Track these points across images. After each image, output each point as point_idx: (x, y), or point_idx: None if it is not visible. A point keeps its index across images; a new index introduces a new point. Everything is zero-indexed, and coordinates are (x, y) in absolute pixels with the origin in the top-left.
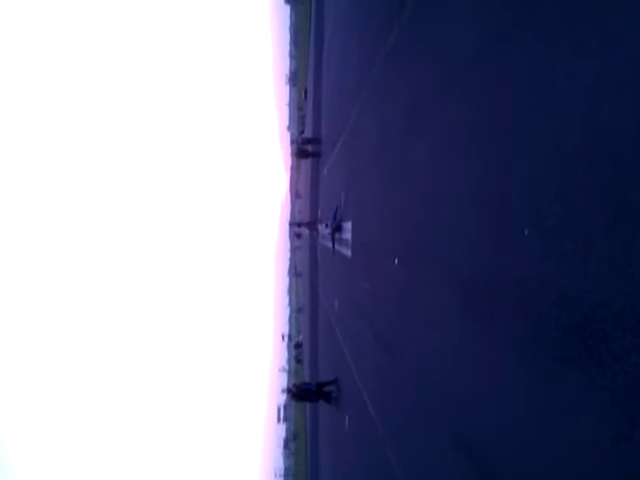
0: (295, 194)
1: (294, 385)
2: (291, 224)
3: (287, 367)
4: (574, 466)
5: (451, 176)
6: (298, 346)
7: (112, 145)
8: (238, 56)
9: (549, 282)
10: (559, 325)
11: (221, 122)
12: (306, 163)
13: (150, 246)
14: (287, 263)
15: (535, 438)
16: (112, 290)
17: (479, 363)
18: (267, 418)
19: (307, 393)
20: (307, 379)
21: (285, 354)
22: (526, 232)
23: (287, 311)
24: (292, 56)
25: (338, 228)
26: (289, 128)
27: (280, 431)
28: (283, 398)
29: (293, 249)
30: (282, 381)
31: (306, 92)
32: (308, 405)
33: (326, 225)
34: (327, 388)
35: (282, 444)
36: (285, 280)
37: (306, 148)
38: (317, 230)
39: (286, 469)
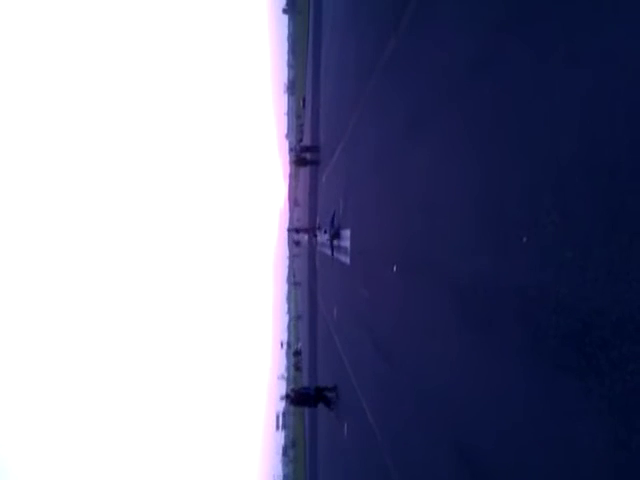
0: (294, 202)
1: (292, 390)
2: (289, 230)
3: (286, 375)
4: (572, 474)
5: (449, 184)
6: (297, 354)
7: (113, 149)
8: (237, 65)
9: (548, 290)
10: (558, 333)
11: (220, 131)
12: (305, 171)
13: (150, 252)
14: (286, 271)
15: (533, 445)
16: (112, 293)
17: (478, 370)
18: (266, 425)
19: (306, 398)
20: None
21: (284, 362)
22: (524, 240)
23: (286, 318)
24: (290, 65)
25: (336, 234)
26: (287, 136)
27: (279, 438)
28: (282, 406)
29: (292, 257)
30: (281, 389)
31: (304, 101)
32: (307, 413)
33: (325, 231)
34: (326, 394)
35: (281, 451)
36: (284, 287)
37: (305, 156)
38: (316, 237)
39: (285, 476)
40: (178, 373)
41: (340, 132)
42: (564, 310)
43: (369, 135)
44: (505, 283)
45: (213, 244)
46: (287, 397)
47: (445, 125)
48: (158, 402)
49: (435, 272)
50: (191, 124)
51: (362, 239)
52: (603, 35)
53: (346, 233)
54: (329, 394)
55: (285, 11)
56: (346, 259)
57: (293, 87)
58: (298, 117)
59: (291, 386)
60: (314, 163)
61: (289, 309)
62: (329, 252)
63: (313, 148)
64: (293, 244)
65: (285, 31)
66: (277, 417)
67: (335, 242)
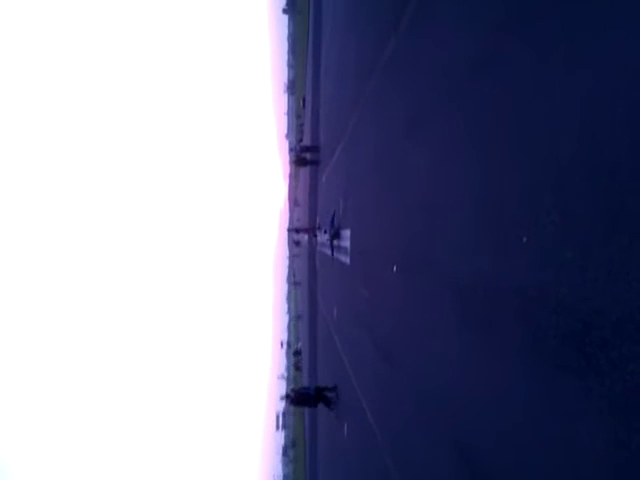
0: (294, 202)
1: (292, 390)
2: (289, 230)
3: (286, 374)
4: (573, 473)
5: (450, 184)
6: (297, 353)
7: (113, 150)
8: (237, 65)
9: (548, 290)
10: (558, 333)
11: (220, 130)
12: (305, 171)
13: (150, 252)
14: (286, 270)
15: (533, 445)
16: (112, 294)
17: (478, 370)
18: (266, 425)
19: (306, 398)
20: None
21: (284, 361)
22: (524, 240)
23: (286, 318)
24: (290, 65)
25: (337, 234)
26: (287, 136)
27: (279, 438)
28: (282, 406)
29: (292, 257)
30: (281, 388)
31: (304, 101)
32: (307, 413)
33: (325, 231)
34: (326, 394)
35: (281, 451)
36: (284, 287)
37: (305, 156)
38: (316, 237)
39: (285, 476)
40: (178, 373)
41: (340, 132)
42: (564, 310)
43: (369, 135)
44: (505, 283)
45: (213, 244)
46: (287, 397)
47: (445, 125)
48: (158, 402)
49: (435, 272)
50: (191, 124)
51: (362, 239)
52: (603, 35)
53: (346, 233)
54: (329, 394)
55: (285, 11)
56: (346, 259)
57: (293, 87)
58: (298, 117)
59: (291, 386)
60: (314, 163)
61: (289, 309)
62: (329, 252)
63: (313, 148)
64: (293, 244)
65: (285, 31)
66: (277, 417)
67: (335, 242)
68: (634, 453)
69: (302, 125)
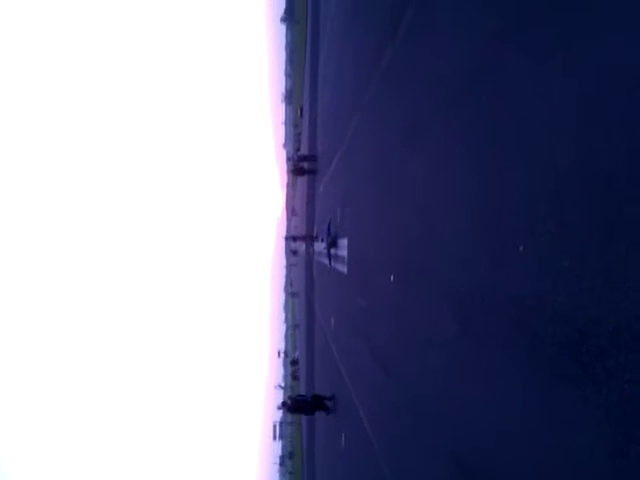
0: (291, 211)
1: (289, 397)
2: (286, 238)
3: (283, 384)
4: None
5: (446, 193)
6: (294, 363)
7: (112, 156)
8: (235, 74)
9: (544, 299)
10: (555, 342)
11: (218, 139)
12: (302, 180)
13: (148, 260)
14: (283, 280)
15: (531, 455)
16: (110, 300)
17: (475, 379)
18: (263, 435)
19: (303, 405)
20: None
21: (281, 371)
22: (521, 249)
23: (283, 328)
24: (288, 75)
25: (334, 243)
26: (285, 146)
27: (276, 449)
28: (279, 415)
29: (289, 266)
30: (278, 398)
31: (302, 110)
32: (304, 422)
33: (322, 240)
34: (323, 402)
35: (278, 461)
36: (281, 297)
37: (302, 165)
38: (313, 246)
39: None
40: (176, 381)
41: (338, 141)
42: (561, 319)
43: (366, 144)
44: (502, 292)
45: (211, 252)
46: (284, 404)
47: (442, 134)
48: (156, 411)
49: (432, 281)
50: (189, 132)
51: (359, 248)
52: (600, 43)
53: (343, 242)
54: (326, 403)
55: (283, 20)
56: (343, 268)
57: (291, 96)
58: (295, 126)
59: (288, 394)
60: (312, 172)
61: (286, 318)
62: (326, 261)
63: (310, 157)
64: (290, 253)
65: (283, 40)
66: (274, 427)
67: (332, 251)
68: (632, 462)
69: (300, 134)
